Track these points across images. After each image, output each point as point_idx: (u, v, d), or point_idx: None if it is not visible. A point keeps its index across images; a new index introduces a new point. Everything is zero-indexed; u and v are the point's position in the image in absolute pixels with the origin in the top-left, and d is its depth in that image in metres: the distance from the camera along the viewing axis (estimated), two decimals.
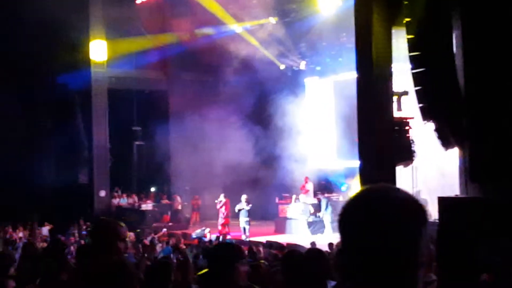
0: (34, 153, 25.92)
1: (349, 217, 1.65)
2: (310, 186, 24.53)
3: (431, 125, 12.34)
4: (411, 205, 1.62)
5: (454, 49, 11.77)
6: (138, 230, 22.17)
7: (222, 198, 23.79)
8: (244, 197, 22.89)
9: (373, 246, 1.56)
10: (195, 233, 22.45)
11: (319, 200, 23.99)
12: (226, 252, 4.16)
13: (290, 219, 24.00)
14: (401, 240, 1.57)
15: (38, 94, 25.58)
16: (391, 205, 1.59)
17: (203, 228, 22.89)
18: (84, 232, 22.93)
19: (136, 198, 28.10)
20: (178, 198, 27.97)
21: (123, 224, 4.51)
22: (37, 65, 24.39)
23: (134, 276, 3.23)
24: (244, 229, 22.61)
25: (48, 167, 26.23)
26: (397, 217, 1.58)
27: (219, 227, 23.23)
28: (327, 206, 23.41)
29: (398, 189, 1.66)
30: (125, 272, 3.21)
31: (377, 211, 1.59)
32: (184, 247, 18.84)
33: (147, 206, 26.82)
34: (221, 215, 23.48)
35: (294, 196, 24.59)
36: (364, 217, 1.60)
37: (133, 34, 26.55)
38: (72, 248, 16.76)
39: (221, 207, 23.53)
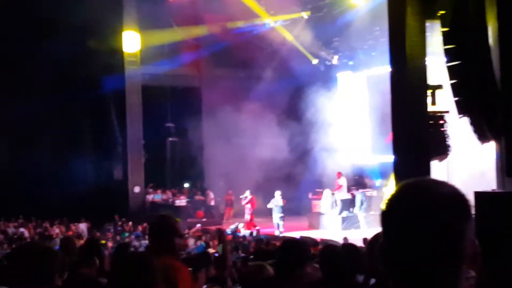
0: (70, 150, 26.25)
1: (392, 211, 1.62)
2: (343, 181, 24.40)
3: (466, 119, 12.19)
4: (456, 199, 1.59)
5: (490, 41, 11.59)
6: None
7: (247, 194, 23.96)
8: (278, 193, 22.95)
9: (416, 240, 1.54)
10: (230, 228, 22.53)
11: (353, 196, 23.89)
12: (296, 253, 4.12)
13: (324, 214, 23.91)
14: (445, 234, 1.54)
15: (73, 92, 25.83)
16: (435, 199, 1.57)
17: (237, 223, 22.95)
18: (119, 228, 23.18)
19: (170, 194, 28.26)
20: (211, 194, 28.08)
21: (179, 220, 4.57)
22: (72, 64, 24.65)
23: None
24: (278, 224, 22.67)
25: (83, 164, 26.52)
26: (441, 211, 1.55)
27: (246, 224, 23.44)
28: (362, 202, 23.31)
29: (443, 183, 1.63)
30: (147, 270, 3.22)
31: (420, 205, 1.56)
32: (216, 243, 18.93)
33: (181, 202, 26.96)
34: (247, 211, 23.67)
35: (326, 191, 24.50)
36: (407, 211, 1.58)
37: (166, 30, 26.66)
38: (108, 244, 16.94)
39: (246, 203, 23.73)
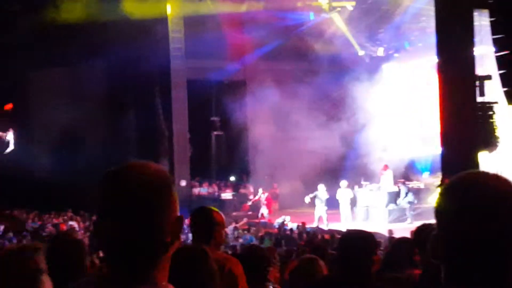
0: (117, 146, 26.55)
1: (445, 204, 1.60)
2: (389, 174, 24.18)
3: None
4: (510, 194, 1.55)
5: None
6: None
7: (260, 193, 24.45)
8: (322, 186, 22.91)
9: (469, 234, 1.52)
10: (276, 222, 22.58)
11: (399, 188, 23.67)
12: (364, 243, 4.07)
13: (370, 207, 23.75)
14: (498, 229, 1.51)
15: (120, 84, 26.14)
16: (488, 192, 1.54)
17: (283, 217, 22.97)
18: None
19: (215, 187, 28.39)
20: (251, 188, 28.19)
21: (217, 210, 4.59)
22: (119, 56, 24.93)
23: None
24: (320, 218, 22.70)
25: (128, 157, 26.80)
26: (494, 205, 1.52)
27: (266, 216, 24.18)
28: (406, 194, 23.08)
29: (497, 176, 1.60)
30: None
31: (474, 199, 1.54)
32: (262, 235, 19.02)
33: (227, 195, 27.08)
34: (265, 208, 24.15)
35: (373, 184, 24.35)
36: (460, 205, 1.55)
37: (210, 23, 26.75)
38: None
39: (266, 198, 24.29)
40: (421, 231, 4.95)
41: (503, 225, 1.51)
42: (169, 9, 26.50)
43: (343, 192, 23.00)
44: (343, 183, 23.11)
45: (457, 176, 1.62)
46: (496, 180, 1.58)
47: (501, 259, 1.52)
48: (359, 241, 4.07)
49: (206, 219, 4.42)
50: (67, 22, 23.59)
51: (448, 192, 1.61)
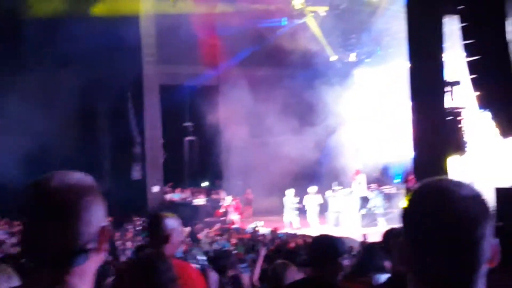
0: (88, 151, 26.37)
1: (409, 211, 1.62)
2: (361, 179, 24.32)
3: (487, 114, 12.12)
4: (476, 202, 1.58)
5: (509, 35, 11.51)
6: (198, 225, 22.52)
7: (229, 200, 24.49)
8: (290, 192, 23.21)
9: (434, 243, 1.54)
10: (249, 227, 22.59)
11: (371, 193, 23.80)
12: (331, 248, 4.08)
13: (342, 212, 23.85)
14: (461, 238, 1.53)
15: (91, 90, 25.95)
16: (451, 200, 1.56)
17: (256, 222, 23.00)
18: (138, 228, 23.24)
19: (188, 193, 28.30)
20: (222, 193, 28.18)
21: (172, 215, 4.53)
22: (90, 62, 24.76)
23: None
24: (290, 222, 22.94)
25: (101, 164, 26.63)
26: (458, 214, 1.54)
27: (237, 223, 24.30)
28: (380, 199, 23.21)
29: (463, 184, 1.61)
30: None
31: (437, 205, 1.56)
32: (235, 241, 18.98)
33: (200, 201, 26.99)
34: (233, 214, 24.20)
35: (345, 189, 24.48)
36: (424, 211, 1.57)
37: (183, 28, 26.68)
38: (129, 244, 17.00)
39: (235, 208, 24.31)
40: (389, 235, 4.99)
41: (470, 236, 1.53)
42: (141, 15, 26.40)
43: (311, 198, 23.11)
44: (312, 189, 23.22)
45: (421, 183, 1.65)
46: (459, 186, 1.60)
47: (466, 264, 1.54)
48: (326, 245, 4.10)
49: (160, 226, 4.37)
50: (38, 28, 23.42)
51: (412, 198, 1.63)
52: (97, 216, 1.71)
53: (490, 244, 1.56)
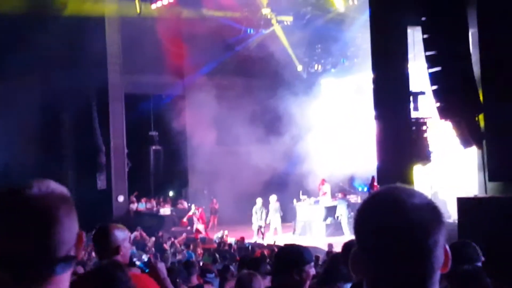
0: (52, 160, 26.07)
1: (361, 221, 1.63)
2: (327, 188, 24.43)
3: (448, 124, 12.28)
4: (428, 209, 1.59)
5: (470, 47, 11.71)
6: (160, 234, 22.37)
7: (193, 209, 24.50)
8: (260, 200, 23.21)
9: (386, 252, 1.55)
10: (215, 236, 22.56)
11: (337, 202, 23.91)
12: (294, 257, 4.09)
13: (308, 221, 23.92)
14: (414, 246, 1.54)
15: (56, 99, 25.68)
16: (403, 209, 1.57)
17: (222, 231, 22.97)
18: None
19: (154, 203, 28.14)
20: (184, 203, 28.16)
21: (120, 226, 4.49)
22: (53, 71, 24.54)
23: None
24: (258, 231, 22.98)
25: (65, 174, 26.36)
26: (410, 223, 1.55)
27: (203, 232, 24.14)
28: (343, 208, 23.32)
29: (414, 192, 1.63)
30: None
31: (389, 217, 1.56)
32: (201, 251, 18.95)
33: (165, 210, 26.85)
34: (197, 223, 24.15)
35: (311, 198, 24.57)
36: (375, 222, 1.58)
37: (148, 38, 26.60)
38: (93, 254, 16.84)
39: (199, 217, 24.26)
40: (349, 246, 5.04)
41: (419, 238, 1.54)
42: (106, 24, 26.26)
43: (271, 207, 23.18)
44: (272, 197, 23.28)
45: (374, 193, 1.66)
46: (410, 194, 1.61)
47: (419, 272, 1.55)
48: (292, 254, 4.12)
49: (109, 238, 4.32)
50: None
51: (364, 208, 1.64)
52: (72, 224, 1.69)
53: (442, 250, 1.58)
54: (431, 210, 1.59)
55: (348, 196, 24.56)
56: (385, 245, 1.55)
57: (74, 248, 1.68)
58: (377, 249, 1.56)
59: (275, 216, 23.23)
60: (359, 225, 1.63)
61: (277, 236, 22.67)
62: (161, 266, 4.32)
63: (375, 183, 18.04)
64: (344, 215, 23.07)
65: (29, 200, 1.63)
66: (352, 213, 23.26)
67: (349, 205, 23.47)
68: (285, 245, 4.59)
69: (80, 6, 24.90)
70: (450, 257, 1.60)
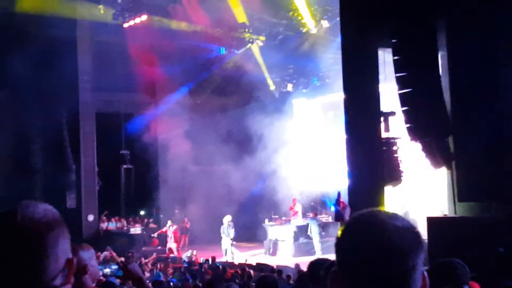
0: (20, 177, 25.75)
1: (343, 241, 1.65)
2: (298, 208, 24.48)
3: (418, 145, 12.41)
4: (409, 233, 1.61)
5: (440, 70, 11.88)
6: (129, 254, 22.14)
7: (169, 224, 24.34)
8: (226, 219, 23.07)
9: (367, 273, 1.57)
10: (184, 255, 22.46)
11: (308, 221, 23.94)
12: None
13: (279, 241, 23.92)
14: (393, 268, 1.56)
15: (26, 117, 25.44)
16: (385, 231, 1.59)
17: (191, 251, 22.89)
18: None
19: (124, 222, 27.92)
20: (143, 222, 28.09)
21: (86, 246, 4.47)
22: (24, 87, 24.33)
23: None
24: (226, 251, 22.81)
25: (34, 192, 26.05)
26: (391, 245, 1.57)
27: (175, 251, 23.94)
28: (316, 228, 23.35)
29: (395, 216, 1.65)
30: None
31: (370, 239, 1.59)
32: (171, 271, 18.81)
33: (136, 230, 26.66)
34: (172, 240, 24.00)
35: (283, 218, 24.61)
36: (357, 243, 1.60)
37: (120, 57, 26.54)
38: None
39: (174, 232, 24.13)
40: (315, 265, 5.08)
41: (399, 261, 1.57)
42: (78, 41, 26.15)
43: (226, 227, 23.10)
44: (226, 218, 23.22)
45: (356, 214, 1.68)
46: (392, 217, 1.63)
47: None
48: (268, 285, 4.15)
49: (76, 258, 4.27)
50: None
51: (346, 229, 1.66)
52: (64, 249, 1.66)
53: (420, 275, 1.60)
54: (412, 234, 1.62)
55: (319, 216, 24.60)
56: (365, 266, 1.57)
57: (63, 275, 1.65)
58: (357, 269, 1.58)
59: (226, 237, 23.10)
60: (340, 246, 1.66)
61: (230, 257, 22.57)
62: (133, 266, 4.29)
63: (341, 199, 18.08)
64: (316, 235, 23.10)
65: (12, 229, 1.59)
66: (323, 233, 23.35)
67: (320, 225, 23.51)
68: (263, 276, 4.60)
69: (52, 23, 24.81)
70: (427, 283, 1.62)
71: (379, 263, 1.56)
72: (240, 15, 26.85)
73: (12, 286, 1.57)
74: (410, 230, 1.62)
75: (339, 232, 1.68)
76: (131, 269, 4.22)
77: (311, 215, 24.33)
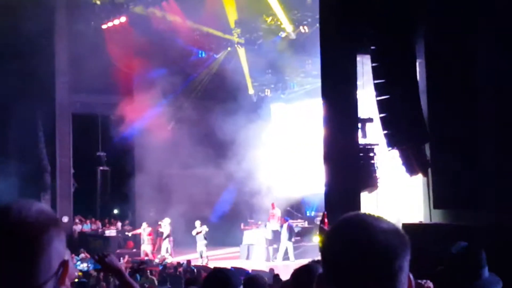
0: None
1: (329, 244, 1.65)
2: (277, 212, 24.49)
3: (395, 152, 12.46)
4: (393, 235, 1.62)
5: (418, 77, 11.95)
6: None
7: (144, 226, 24.21)
8: (198, 222, 23.09)
9: (354, 275, 1.57)
10: (157, 258, 22.42)
11: (284, 226, 23.94)
12: (224, 280, 4.05)
13: (254, 245, 23.91)
14: (380, 269, 1.57)
15: (1, 117, 25.19)
16: (371, 234, 1.59)
17: (163, 254, 22.85)
18: None
19: (99, 224, 27.74)
20: (118, 225, 27.91)
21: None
22: (0, 90, 24.09)
23: None
24: (201, 253, 22.82)
25: (8, 193, 25.77)
26: (377, 247, 1.58)
27: (150, 254, 23.85)
28: (289, 233, 23.37)
29: (382, 219, 1.66)
30: None
31: (357, 241, 1.59)
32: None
33: (111, 232, 26.50)
34: (147, 241, 23.88)
35: (259, 223, 24.60)
36: (344, 247, 1.60)
37: (98, 58, 26.37)
38: None
39: (149, 234, 24.02)
40: (300, 272, 5.05)
41: (386, 262, 1.57)
42: (56, 42, 25.96)
43: (198, 231, 23.13)
44: (197, 223, 23.24)
45: (343, 216, 1.68)
46: (378, 220, 1.64)
47: None
48: (218, 279, 4.11)
49: None
50: None
51: (332, 232, 1.66)
52: (58, 251, 1.61)
53: (406, 276, 1.61)
54: (398, 236, 1.63)
55: (293, 221, 24.65)
56: (352, 267, 1.57)
57: (56, 277, 1.60)
58: (344, 271, 1.58)
59: (200, 241, 23.09)
60: (327, 248, 1.66)
61: (204, 261, 22.55)
62: (111, 259, 4.23)
63: (326, 219, 18.10)
64: (291, 240, 23.11)
65: (4, 230, 1.54)
66: (298, 238, 23.38)
67: (296, 230, 23.55)
68: (214, 268, 4.57)
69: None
70: (413, 284, 1.63)
71: (366, 265, 1.56)
72: (222, 19, 26.84)
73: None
74: (396, 232, 1.63)
75: (319, 237, 1.68)
76: (109, 262, 4.16)
77: (284, 219, 24.32)
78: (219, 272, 4.30)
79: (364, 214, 1.68)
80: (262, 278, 4.78)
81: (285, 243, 23.06)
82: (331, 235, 1.66)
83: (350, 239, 1.60)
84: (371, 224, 1.62)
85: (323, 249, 1.67)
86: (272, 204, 24.68)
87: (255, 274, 4.98)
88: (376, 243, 1.58)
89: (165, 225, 23.91)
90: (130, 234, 25.68)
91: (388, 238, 1.59)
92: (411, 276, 1.63)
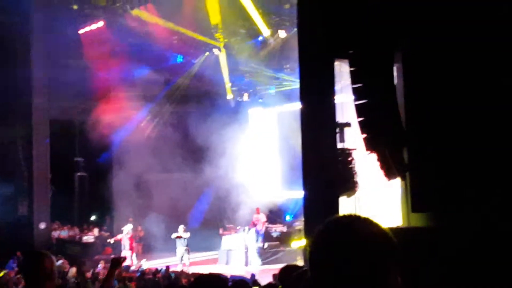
0: None
1: (317, 248, 1.65)
2: (261, 217, 24.43)
3: (374, 156, 12.49)
4: (381, 238, 1.62)
5: (395, 81, 12.01)
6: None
7: (128, 229, 24.04)
8: (181, 227, 22.97)
9: (341, 278, 1.57)
10: (135, 265, 22.33)
11: (262, 231, 23.93)
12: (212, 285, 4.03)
13: (232, 250, 23.88)
14: (368, 272, 1.57)
15: None
16: (359, 237, 1.60)
17: (143, 260, 22.76)
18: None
19: (77, 230, 27.54)
20: (95, 230, 27.76)
21: (49, 253, 4.45)
22: None
23: None
24: (182, 258, 22.73)
25: None
26: (365, 250, 1.58)
27: (132, 258, 23.66)
28: (267, 237, 23.36)
29: (370, 221, 1.66)
30: None
31: (349, 244, 1.59)
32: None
33: (89, 238, 26.32)
34: (127, 245, 23.73)
35: (238, 228, 24.57)
36: (335, 250, 1.60)
37: (75, 63, 26.24)
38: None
39: (130, 238, 23.90)
40: (285, 271, 5.04)
41: (374, 265, 1.57)
42: (33, 47, 25.74)
43: (180, 236, 23.07)
44: (180, 227, 23.17)
45: (330, 220, 1.67)
46: (366, 222, 1.65)
47: None
48: (206, 285, 4.08)
49: (41, 264, 4.27)
50: None
51: (322, 233, 1.65)
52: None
53: (395, 279, 1.61)
54: (386, 238, 1.63)
55: (274, 225, 24.65)
56: (339, 268, 1.57)
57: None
58: (332, 272, 1.58)
59: (181, 246, 23.00)
60: (314, 249, 1.65)
61: (186, 266, 22.46)
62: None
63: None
64: (270, 244, 23.14)
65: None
66: (276, 243, 23.40)
67: (274, 235, 23.56)
68: (202, 275, 4.55)
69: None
70: (400, 286, 1.62)
71: (353, 266, 1.56)
72: (201, 23, 26.80)
73: None
74: (383, 235, 1.64)
75: (312, 237, 1.67)
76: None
77: (266, 224, 24.35)
78: (207, 278, 4.28)
79: (353, 216, 1.68)
80: (248, 284, 4.76)
81: (253, 246, 23.06)
82: (319, 237, 1.65)
83: (337, 241, 1.61)
84: (358, 227, 1.62)
85: (311, 250, 1.66)
86: (257, 209, 24.62)
87: (241, 279, 4.97)
88: (364, 245, 1.58)
89: (128, 231, 23.75)
90: (112, 241, 25.47)
91: (375, 241, 1.60)
92: (399, 280, 1.63)
